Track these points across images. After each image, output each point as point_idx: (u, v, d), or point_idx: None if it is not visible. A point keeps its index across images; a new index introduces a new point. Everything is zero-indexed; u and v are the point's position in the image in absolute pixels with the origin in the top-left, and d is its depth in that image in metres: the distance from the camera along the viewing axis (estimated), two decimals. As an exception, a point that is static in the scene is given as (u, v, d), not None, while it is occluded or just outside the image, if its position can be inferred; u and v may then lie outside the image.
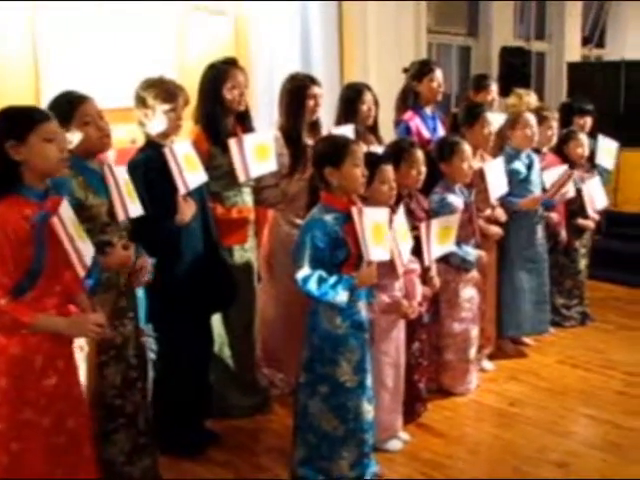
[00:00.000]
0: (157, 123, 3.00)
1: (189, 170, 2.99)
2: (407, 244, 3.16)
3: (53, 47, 4.37)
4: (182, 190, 2.94)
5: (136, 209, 2.73)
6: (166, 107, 2.98)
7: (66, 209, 2.21)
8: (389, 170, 3.08)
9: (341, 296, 2.73)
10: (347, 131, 3.48)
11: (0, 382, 2.14)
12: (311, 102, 3.61)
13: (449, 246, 3.47)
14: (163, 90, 2.99)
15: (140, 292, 3.01)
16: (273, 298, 3.74)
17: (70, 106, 2.57)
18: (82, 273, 2.24)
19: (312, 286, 2.73)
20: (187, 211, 2.98)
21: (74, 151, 2.58)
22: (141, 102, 3.01)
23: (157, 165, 2.92)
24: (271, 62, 5.47)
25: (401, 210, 3.14)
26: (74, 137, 2.55)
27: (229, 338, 3.51)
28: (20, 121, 2.17)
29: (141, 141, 3.19)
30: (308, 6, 5.75)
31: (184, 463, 3.18)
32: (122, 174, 2.72)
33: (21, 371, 2.16)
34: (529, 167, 4.32)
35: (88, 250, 2.29)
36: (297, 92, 3.61)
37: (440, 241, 3.37)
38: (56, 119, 2.55)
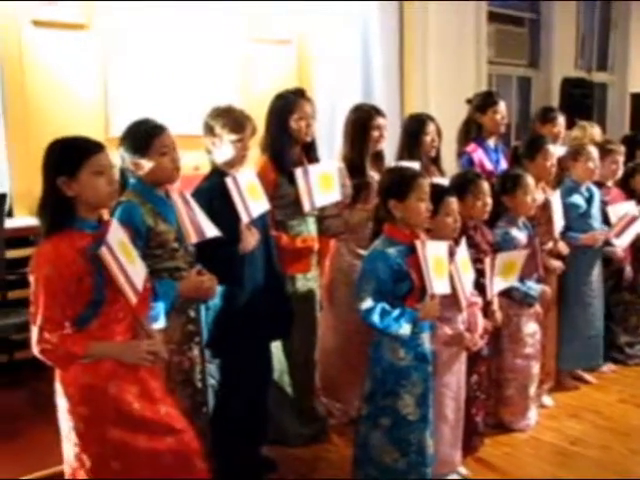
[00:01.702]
0: (224, 152, 3.02)
1: (252, 199, 3.00)
2: (469, 277, 3.15)
3: (121, 75, 4.52)
4: (245, 219, 2.96)
5: (212, 230, 2.77)
6: (233, 137, 2.99)
7: (116, 233, 2.23)
8: (454, 202, 3.08)
9: (404, 329, 2.74)
10: (414, 167, 3.47)
11: (81, 411, 2.17)
12: (375, 133, 3.63)
13: (511, 281, 3.45)
14: (231, 120, 3.00)
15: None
16: (332, 328, 3.74)
17: (149, 136, 2.61)
18: (134, 300, 2.24)
19: (375, 318, 2.74)
20: (250, 239, 2.99)
21: (142, 178, 2.65)
22: (209, 130, 3.03)
23: (222, 193, 2.93)
24: (332, 92, 5.53)
25: (463, 243, 3.13)
26: (146, 165, 2.61)
27: (289, 366, 3.52)
28: (71, 156, 2.17)
29: (204, 168, 3.22)
30: (369, 36, 5.82)
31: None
32: (192, 199, 2.78)
33: (96, 397, 2.18)
34: (589, 201, 4.26)
35: (140, 273, 2.29)
36: (362, 123, 3.63)
37: (503, 275, 3.35)
38: (130, 147, 2.63)
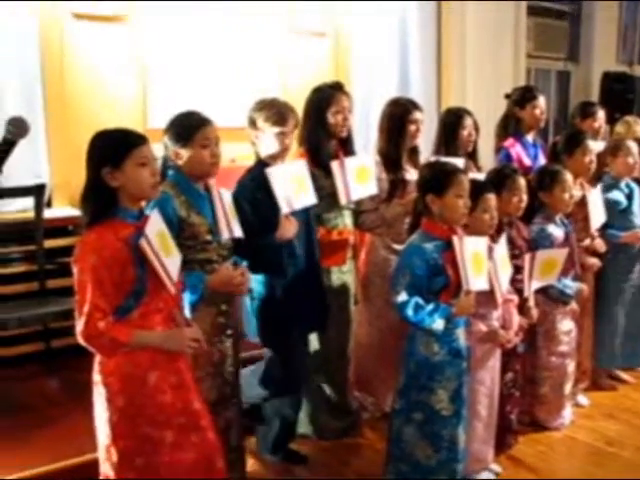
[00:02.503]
0: (267, 145, 3.02)
1: (297, 190, 3.00)
2: (506, 273, 3.12)
3: (160, 67, 4.55)
4: (285, 209, 2.95)
5: (238, 230, 2.79)
6: (276, 130, 2.98)
7: (155, 224, 2.25)
8: (492, 199, 3.04)
9: (437, 324, 2.73)
10: (457, 164, 3.43)
11: (117, 401, 2.20)
12: (412, 127, 3.59)
13: (551, 280, 3.41)
14: (274, 113, 2.99)
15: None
16: (366, 322, 3.73)
17: (193, 127, 2.63)
18: (172, 290, 2.28)
19: (409, 312, 2.73)
20: (289, 227, 2.98)
21: (180, 170, 2.67)
22: (252, 123, 3.03)
23: (265, 184, 2.93)
24: (369, 85, 5.52)
25: (503, 239, 3.11)
26: (186, 154, 2.63)
27: (323, 359, 3.50)
28: (116, 147, 2.20)
29: (241, 161, 3.24)
30: (407, 29, 5.79)
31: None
32: (227, 197, 2.80)
33: (136, 388, 2.21)
34: (629, 197, 4.19)
35: (175, 263, 2.32)
36: (399, 117, 3.59)
37: (542, 274, 3.32)
38: (173, 136, 2.65)
